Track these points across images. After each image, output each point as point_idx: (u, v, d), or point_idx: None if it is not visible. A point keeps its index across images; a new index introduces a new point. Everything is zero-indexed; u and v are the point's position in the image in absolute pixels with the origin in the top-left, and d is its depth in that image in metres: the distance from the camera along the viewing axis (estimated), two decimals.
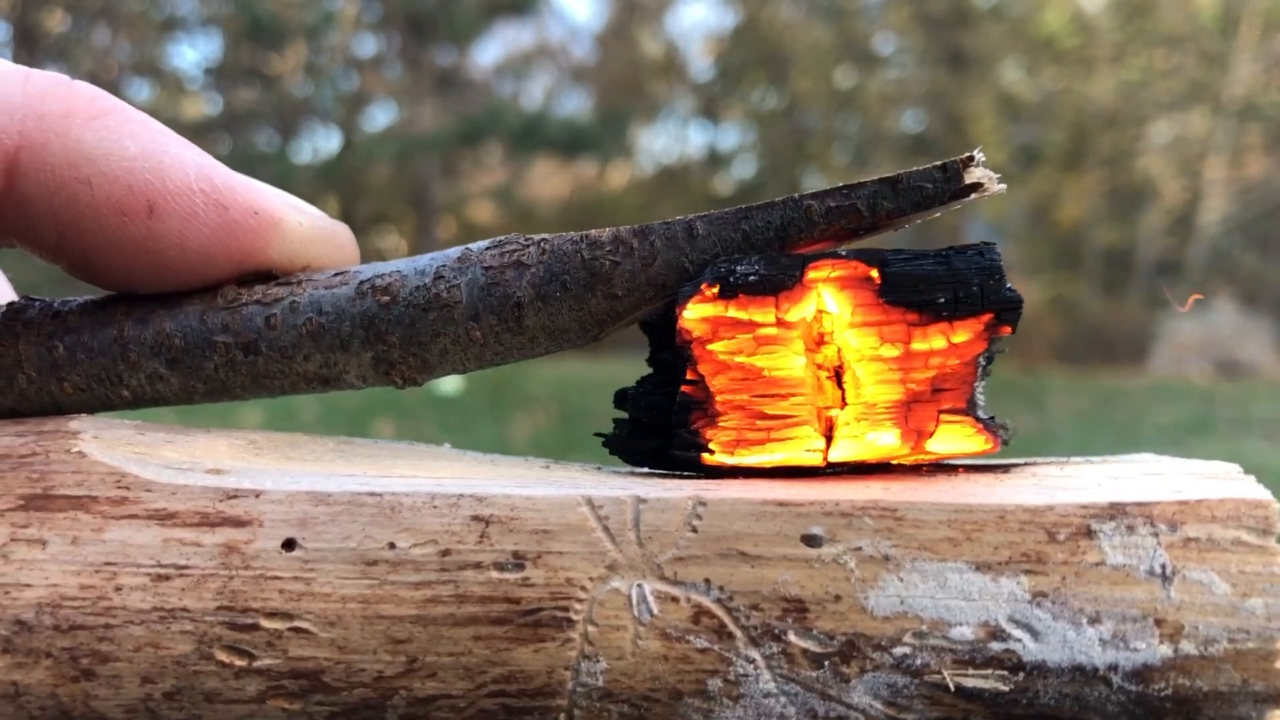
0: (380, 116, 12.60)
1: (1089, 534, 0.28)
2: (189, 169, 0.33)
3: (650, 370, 0.35)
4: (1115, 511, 0.29)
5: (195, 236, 0.33)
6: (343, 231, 0.37)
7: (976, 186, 0.31)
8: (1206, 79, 10.76)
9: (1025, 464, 0.34)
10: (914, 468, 0.32)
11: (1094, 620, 0.28)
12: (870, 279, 0.31)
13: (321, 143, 12.27)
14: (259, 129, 11.53)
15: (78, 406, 0.36)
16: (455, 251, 0.34)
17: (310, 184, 10.37)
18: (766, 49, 12.08)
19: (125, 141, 0.32)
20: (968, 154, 0.31)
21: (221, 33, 10.92)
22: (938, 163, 0.31)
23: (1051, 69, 11.51)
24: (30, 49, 9.79)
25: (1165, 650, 0.28)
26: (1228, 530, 0.28)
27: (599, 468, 0.36)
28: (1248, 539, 0.28)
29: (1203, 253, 10.77)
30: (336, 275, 0.35)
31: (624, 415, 0.35)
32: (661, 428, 0.34)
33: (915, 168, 0.31)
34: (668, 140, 13.81)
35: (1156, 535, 0.28)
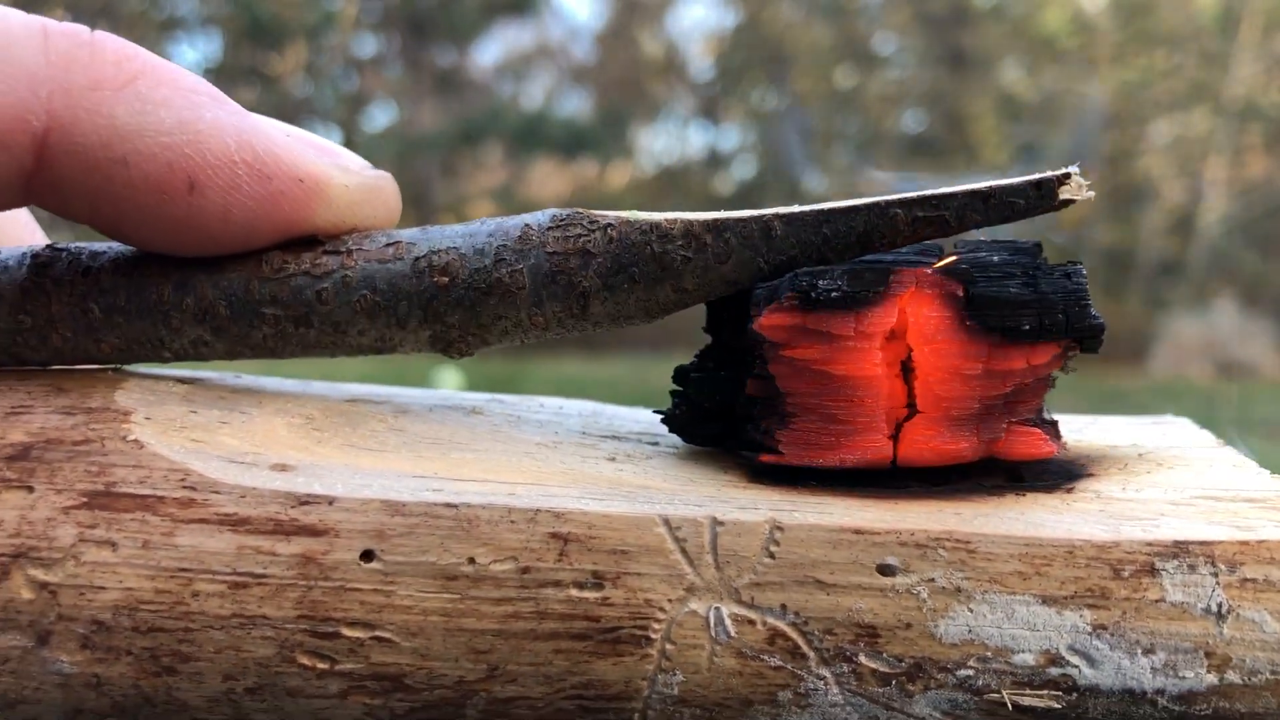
0: (380, 116, 12.58)
1: (1152, 571, 0.30)
2: (229, 138, 0.31)
3: (709, 339, 0.35)
4: (1179, 550, 0.30)
5: (239, 209, 0.32)
6: (388, 186, 0.36)
7: (1067, 201, 0.31)
8: (1206, 79, 10.77)
9: (1082, 467, 0.34)
10: (982, 486, 0.33)
11: (1148, 651, 0.30)
12: (955, 297, 0.31)
13: None
14: None
15: (117, 360, 0.35)
16: (515, 228, 0.33)
17: None
18: (766, 49, 12.08)
19: (160, 112, 0.31)
20: (1064, 171, 0.31)
21: (221, 33, 10.92)
22: (1033, 178, 0.31)
23: (1051, 69, 11.51)
24: None
25: (1211, 679, 0.30)
26: None
27: (657, 444, 0.37)
28: None
29: (1203, 253, 10.77)
30: (389, 245, 0.33)
31: (680, 390, 0.35)
32: (723, 412, 0.34)
33: (1008, 180, 0.31)
34: (668, 140, 13.80)
35: (1216, 575, 0.29)
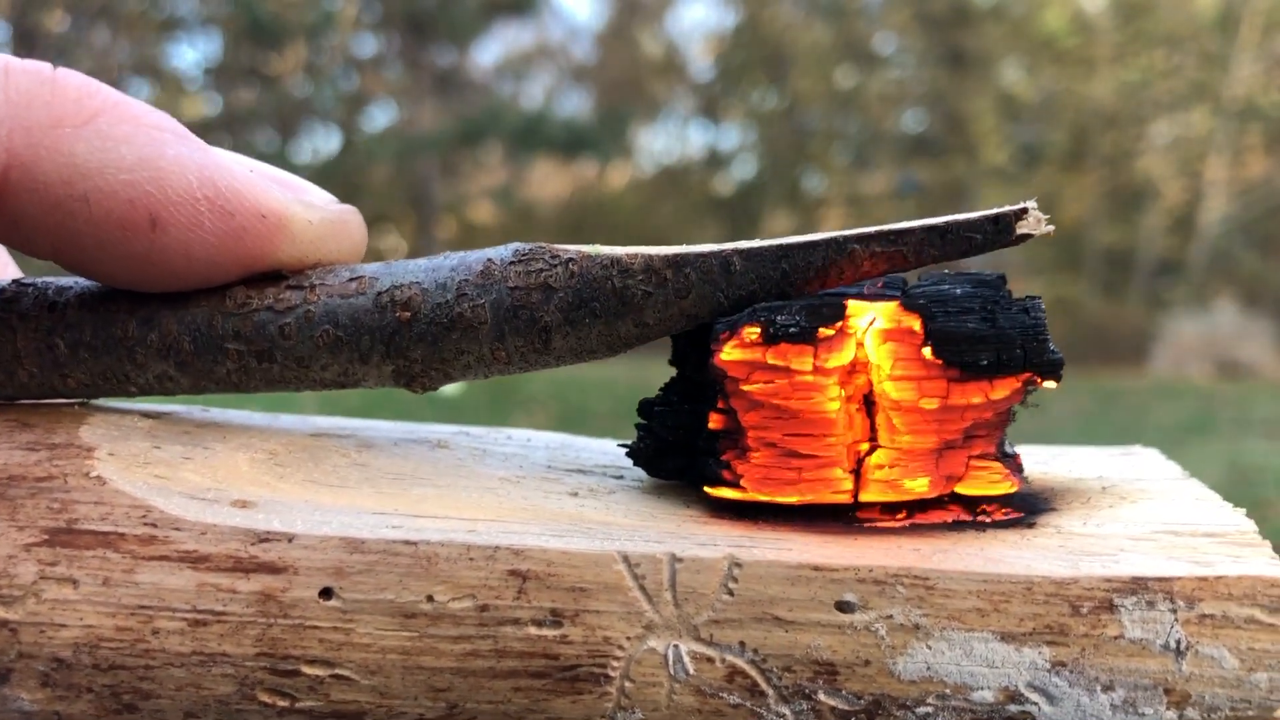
0: (380, 116, 12.58)
1: (1111, 608, 0.29)
2: (191, 175, 0.31)
3: (672, 371, 0.35)
4: (1137, 586, 0.29)
5: (200, 245, 0.32)
6: (353, 220, 0.35)
7: (1025, 235, 0.31)
8: (1206, 79, 10.76)
9: (1045, 501, 0.34)
10: (943, 524, 0.33)
11: (1107, 688, 0.30)
12: (913, 332, 0.31)
13: (321, 143, 12.26)
14: (259, 129, 11.51)
15: (84, 395, 0.35)
16: (477, 263, 0.33)
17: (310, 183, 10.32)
18: (766, 49, 12.07)
19: (121, 149, 0.31)
20: (1021, 206, 0.31)
21: (221, 33, 10.91)
22: (990, 212, 0.31)
23: (1051, 69, 11.50)
24: (30, 49, 9.78)
25: (1170, 716, 0.30)
26: (1242, 608, 0.29)
27: (621, 477, 0.36)
28: (1260, 617, 0.29)
29: (1203, 253, 10.76)
30: (351, 280, 0.33)
31: (645, 423, 0.35)
32: (687, 445, 0.34)
33: (964, 215, 0.31)
34: (668, 140, 13.80)
35: (1175, 612, 0.29)
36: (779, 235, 0.33)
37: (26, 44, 9.73)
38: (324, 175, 10.82)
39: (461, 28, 11.09)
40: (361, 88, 12.05)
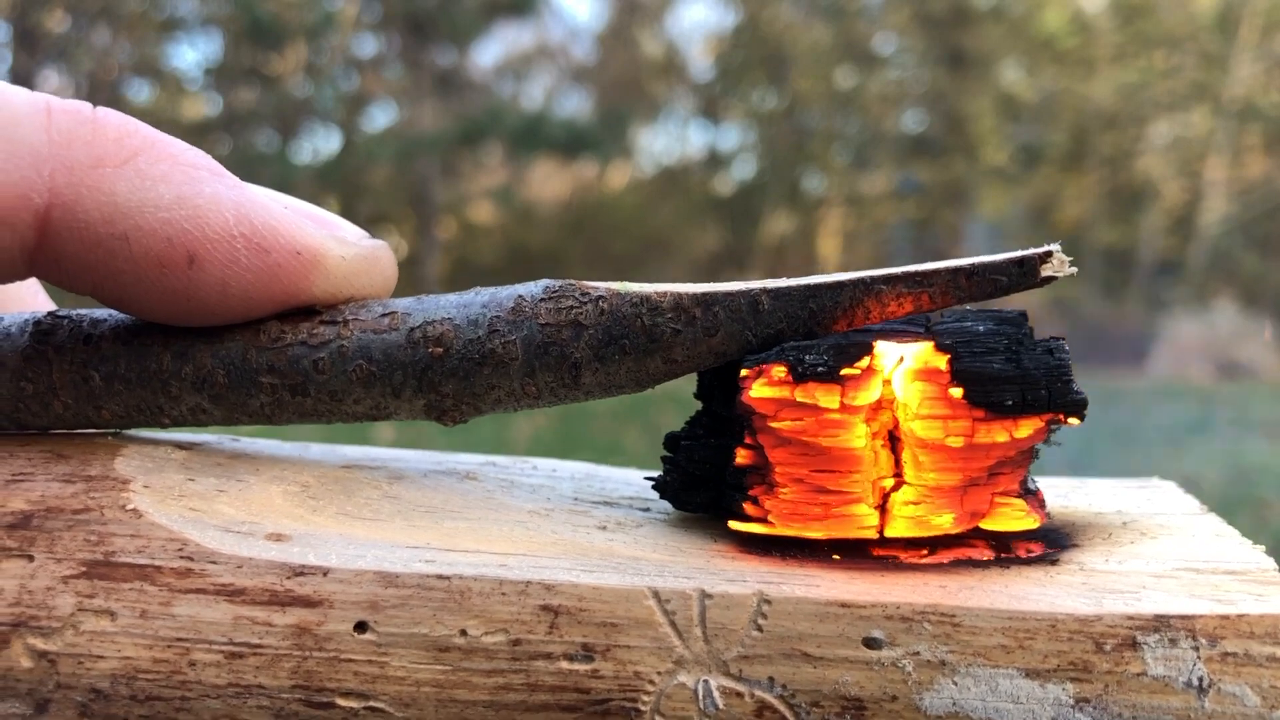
0: (380, 117, 12.58)
1: (1134, 645, 0.30)
2: (227, 212, 0.32)
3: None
4: (1160, 624, 0.30)
5: (237, 281, 0.32)
6: (384, 256, 0.36)
7: (1050, 278, 0.32)
8: (1206, 79, 10.77)
9: (1066, 537, 0.35)
10: (968, 561, 0.33)
11: None
12: (940, 371, 0.32)
13: (321, 143, 12.25)
14: (259, 129, 11.51)
15: (117, 426, 0.36)
16: (508, 299, 0.34)
17: (310, 184, 10.36)
18: (766, 49, 12.08)
19: (159, 188, 0.31)
20: (1046, 249, 0.32)
21: (221, 33, 10.91)
22: (1015, 255, 0.32)
23: (1051, 69, 11.51)
24: (30, 49, 9.78)
25: None
26: (1264, 646, 0.30)
27: (648, 509, 0.37)
28: None
29: (1203, 253, 10.77)
30: (384, 316, 0.34)
31: (671, 456, 0.36)
32: (713, 479, 0.35)
33: (990, 258, 0.32)
34: (668, 140, 13.81)
35: (1197, 650, 0.30)
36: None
37: (27, 44, 9.74)
38: (324, 176, 10.83)
39: (462, 28, 11.09)
40: (362, 88, 12.05)
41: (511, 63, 13.07)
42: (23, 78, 9.66)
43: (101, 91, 10.10)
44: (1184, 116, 11.22)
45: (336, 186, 11.06)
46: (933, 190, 11.77)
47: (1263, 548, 0.33)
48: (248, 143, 11.16)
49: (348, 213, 0.37)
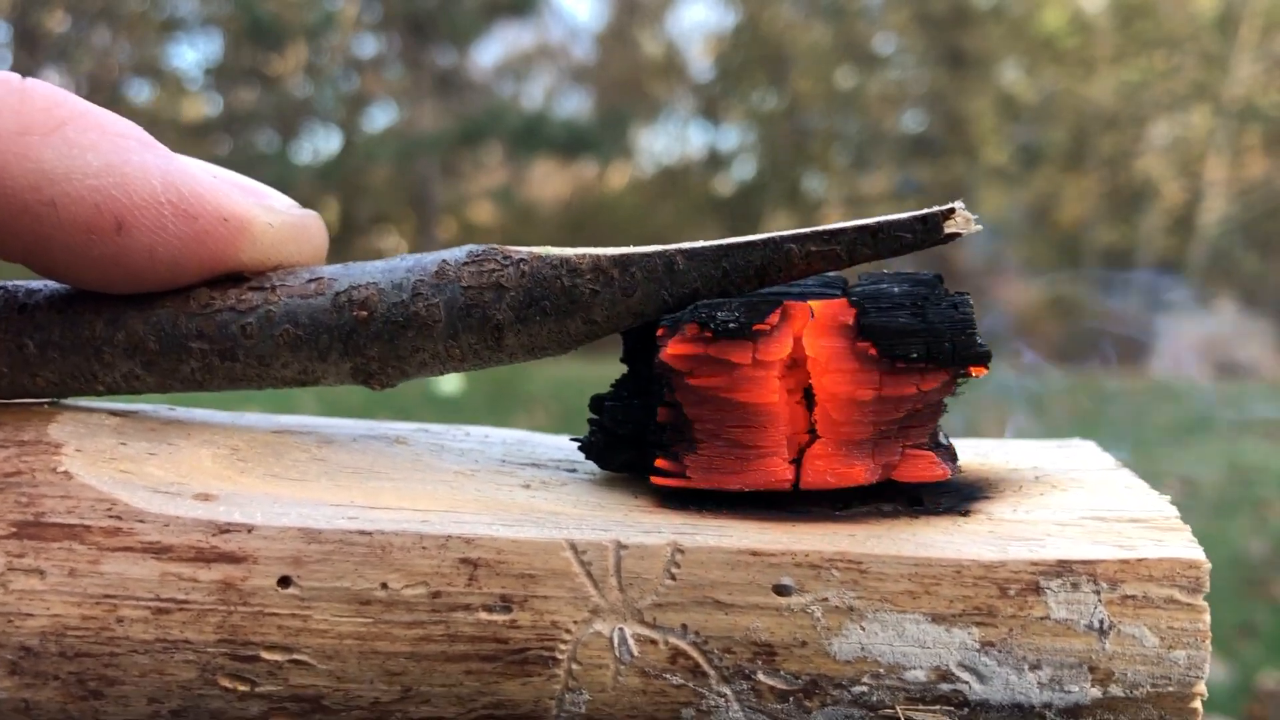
0: (380, 117, 12.61)
1: (1037, 590, 0.31)
2: (154, 179, 0.32)
3: (624, 369, 0.36)
4: (1062, 569, 0.31)
5: (164, 248, 0.33)
6: (313, 224, 0.36)
7: (953, 234, 0.32)
8: (1206, 79, 10.77)
9: (979, 490, 0.35)
10: (877, 510, 0.34)
11: (1034, 667, 0.31)
12: (848, 327, 0.32)
13: (322, 143, 12.28)
14: (259, 130, 11.54)
15: (53, 394, 0.36)
16: (432, 263, 0.34)
17: (310, 184, 10.38)
18: (766, 49, 12.09)
19: (87, 155, 0.32)
20: (949, 206, 0.32)
21: (221, 33, 10.94)
22: (919, 213, 0.32)
23: (1051, 69, 11.51)
24: (31, 49, 9.80)
25: (1095, 692, 0.31)
26: (1162, 589, 0.30)
27: (574, 470, 0.38)
28: (1179, 597, 0.30)
29: (1203, 253, 10.77)
30: (310, 281, 0.35)
31: (596, 418, 0.36)
32: (636, 439, 0.35)
33: (895, 215, 0.32)
34: (668, 141, 13.82)
35: (1098, 593, 0.30)
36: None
37: (27, 44, 9.76)
38: (324, 176, 10.85)
39: (462, 28, 11.11)
40: (362, 88, 12.08)
41: (511, 63, 13.09)
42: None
43: (102, 91, 10.12)
44: (1184, 116, 11.22)
45: (336, 187, 11.08)
46: (933, 190, 11.77)
47: (1168, 497, 0.33)
48: (248, 143, 11.19)
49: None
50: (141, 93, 11.08)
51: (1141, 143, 11.56)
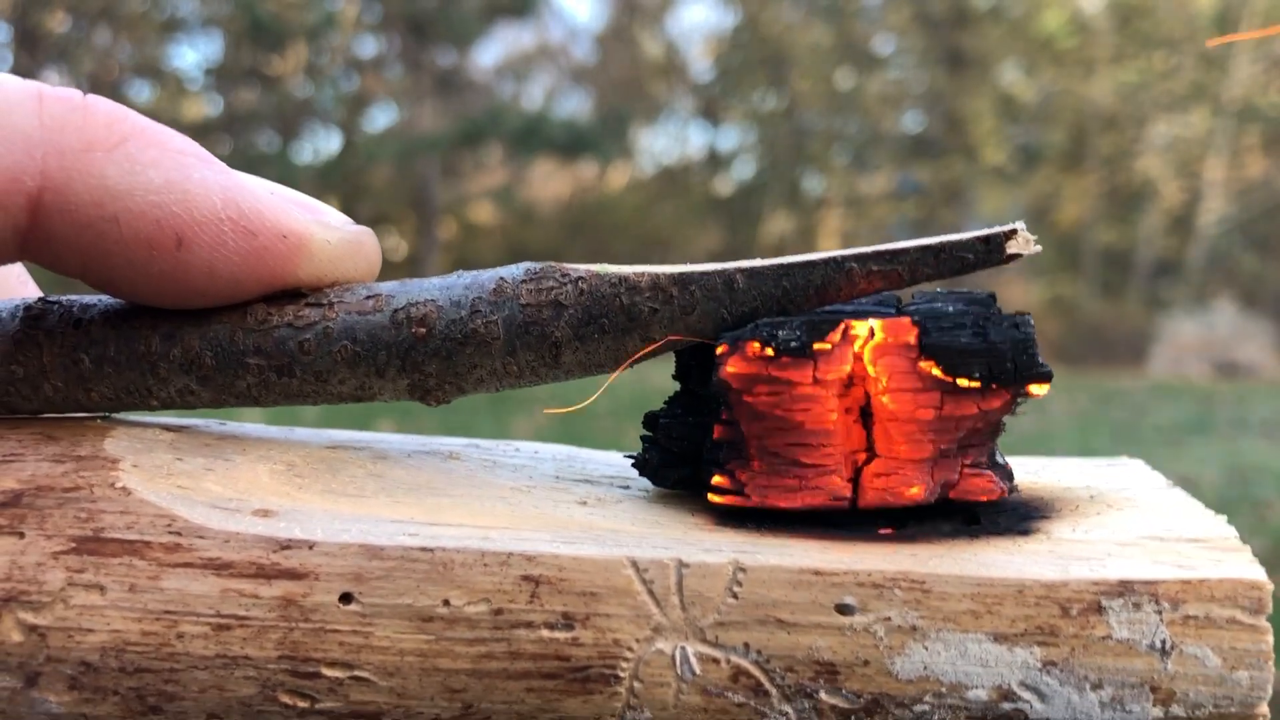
0: (381, 117, 12.61)
1: (1099, 610, 0.31)
2: (215, 195, 0.33)
3: (676, 385, 0.36)
4: (1124, 589, 0.31)
5: (224, 264, 0.33)
6: (368, 241, 0.36)
7: (1015, 255, 0.32)
8: (1205, 80, 10.78)
9: (1035, 509, 0.36)
10: (937, 530, 0.34)
11: (1096, 686, 0.31)
12: (909, 346, 0.33)
13: (322, 144, 12.28)
14: (260, 130, 11.53)
15: (106, 409, 0.36)
16: (490, 281, 0.34)
17: (311, 185, 10.37)
18: (766, 50, 12.09)
19: (149, 171, 0.32)
20: (1011, 227, 0.32)
21: (222, 34, 10.93)
22: (981, 233, 0.32)
23: (1051, 69, 11.52)
24: (31, 50, 9.79)
25: (1157, 712, 0.31)
26: (1224, 609, 0.31)
27: (628, 487, 0.38)
28: (1241, 618, 0.31)
29: (1202, 253, 10.78)
30: (369, 298, 0.35)
31: (650, 435, 0.36)
32: (691, 456, 0.35)
33: (957, 236, 0.33)
34: (668, 141, 13.82)
35: (1160, 613, 0.31)
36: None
37: (28, 44, 9.75)
38: (325, 176, 10.85)
39: (462, 29, 11.11)
40: (362, 89, 12.07)
41: (511, 63, 13.09)
42: (24, 78, 9.65)
43: (102, 92, 10.08)
44: (1183, 117, 11.23)
45: (337, 187, 11.08)
46: (932, 190, 11.78)
47: (1224, 518, 0.34)
48: (249, 143, 11.18)
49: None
50: (142, 93, 11.07)
51: (1140, 143, 11.57)
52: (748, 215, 12.18)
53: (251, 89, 11.21)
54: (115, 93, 10.22)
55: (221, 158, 0.34)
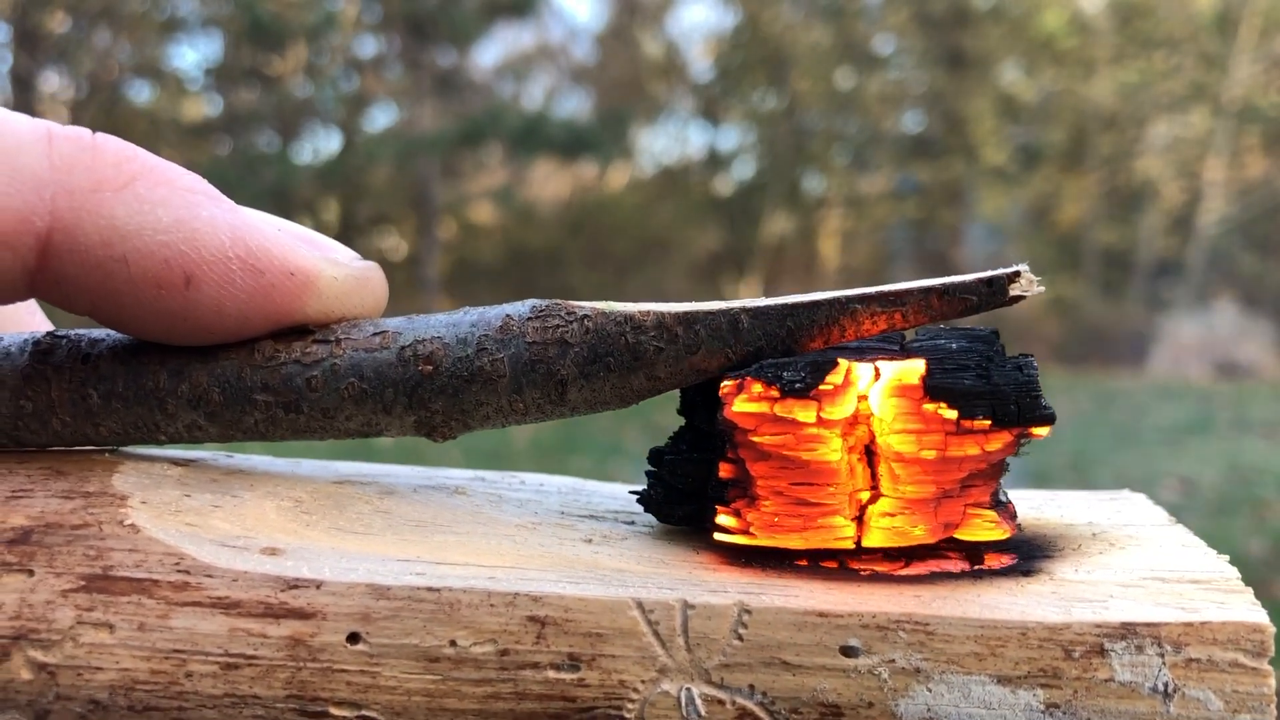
0: (381, 117, 12.59)
1: (1102, 652, 0.31)
2: (223, 234, 0.33)
3: (681, 419, 0.36)
4: (1127, 632, 0.31)
5: (232, 301, 0.33)
6: (375, 278, 0.37)
7: (1018, 297, 0.33)
8: (1206, 80, 10.77)
9: (1038, 548, 0.36)
10: (942, 572, 0.34)
11: None
12: (913, 387, 0.33)
13: (322, 144, 12.25)
14: (260, 130, 11.51)
15: (114, 443, 0.37)
16: (496, 318, 0.35)
17: (311, 185, 10.37)
18: (766, 50, 12.09)
19: (158, 211, 0.32)
20: (1014, 269, 0.33)
21: (222, 34, 10.92)
22: (985, 275, 0.33)
23: (1051, 70, 11.52)
24: (31, 50, 9.79)
25: None
26: (1227, 652, 0.31)
27: (633, 523, 0.38)
28: (1244, 661, 0.31)
29: (1202, 253, 10.78)
30: (376, 335, 0.35)
31: (655, 471, 0.36)
32: (696, 492, 0.36)
33: (960, 278, 0.33)
34: (668, 141, 13.82)
35: (1162, 656, 0.31)
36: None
37: (27, 45, 9.74)
38: (324, 176, 10.84)
39: (462, 29, 11.09)
40: (362, 89, 12.06)
41: (511, 63, 13.09)
42: (23, 78, 9.66)
43: (102, 92, 10.11)
44: (1183, 117, 11.23)
45: (337, 187, 11.07)
46: (932, 190, 11.78)
47: (1226, 558, 0.34)
48: (248, 143, 11.17)
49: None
50: (142, 93, 11.07)
51: (1141, 143, 11.57)
52: (748, 215, 12.18)
53: (251, 89, 11.19)
54: (115, 92, 10.23)
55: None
